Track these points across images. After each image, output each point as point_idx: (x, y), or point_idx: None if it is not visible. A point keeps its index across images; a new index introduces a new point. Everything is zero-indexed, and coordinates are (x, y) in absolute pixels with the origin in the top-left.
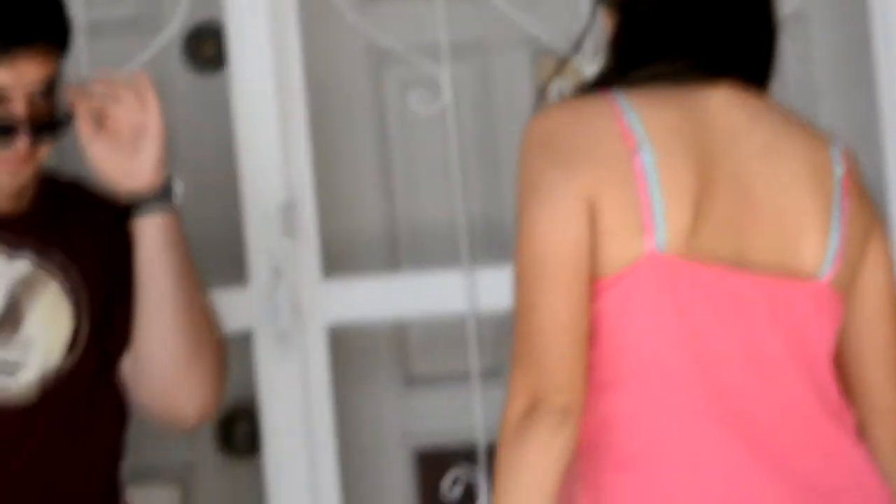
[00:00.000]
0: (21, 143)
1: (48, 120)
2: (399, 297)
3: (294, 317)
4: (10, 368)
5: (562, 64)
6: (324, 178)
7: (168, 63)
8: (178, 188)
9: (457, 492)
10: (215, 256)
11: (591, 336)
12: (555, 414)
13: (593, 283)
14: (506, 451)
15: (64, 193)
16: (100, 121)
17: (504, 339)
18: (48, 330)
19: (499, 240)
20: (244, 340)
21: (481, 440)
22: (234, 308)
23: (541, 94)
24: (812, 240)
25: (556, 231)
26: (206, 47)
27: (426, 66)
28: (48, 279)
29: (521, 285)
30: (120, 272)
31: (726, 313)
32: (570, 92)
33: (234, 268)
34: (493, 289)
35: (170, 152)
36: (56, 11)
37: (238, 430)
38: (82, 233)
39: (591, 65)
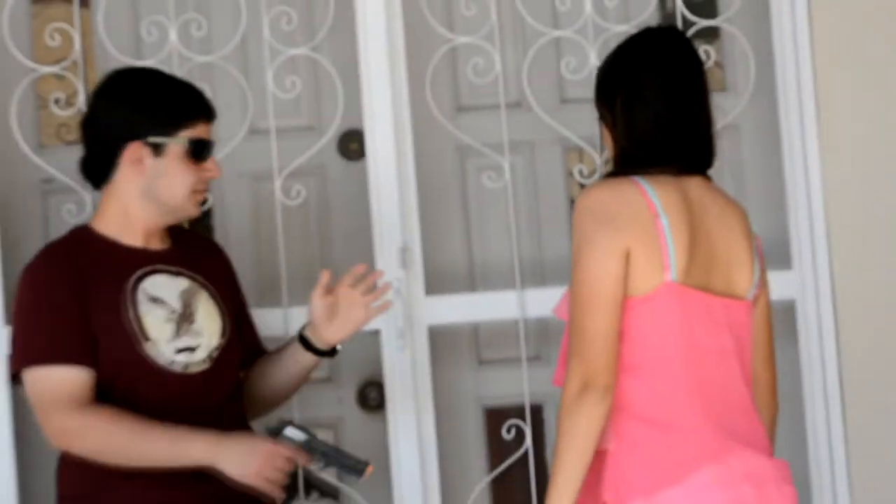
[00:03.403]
0: (213, 163)
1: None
2: (475, 309)
3: (407, 321)
4: (193, 349)
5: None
6: (427, 231)
7: (327, 155)
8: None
9: (511, 435)
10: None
11: (621, 336)
12: (599, 390)
13: (626, 301)
14: (566, 416)
15: (186, 236)
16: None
17: (543, 336)
18: (209, 323)
19: (541, 271)
20: (376, 336)
21: (527, 402)
22: None
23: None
24: (745, 275)
25: (603, 271)
26: (352, 144)
27: (494, 157)
28: (201, 289)
29: (577, 304)
30: (235, 291)
31: (707, 323)
32: (600, 177)
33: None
34: (536, 303)
35: (326, 216)
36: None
37: (371, 394)
38: (208, 264)
39: (601, 156)
